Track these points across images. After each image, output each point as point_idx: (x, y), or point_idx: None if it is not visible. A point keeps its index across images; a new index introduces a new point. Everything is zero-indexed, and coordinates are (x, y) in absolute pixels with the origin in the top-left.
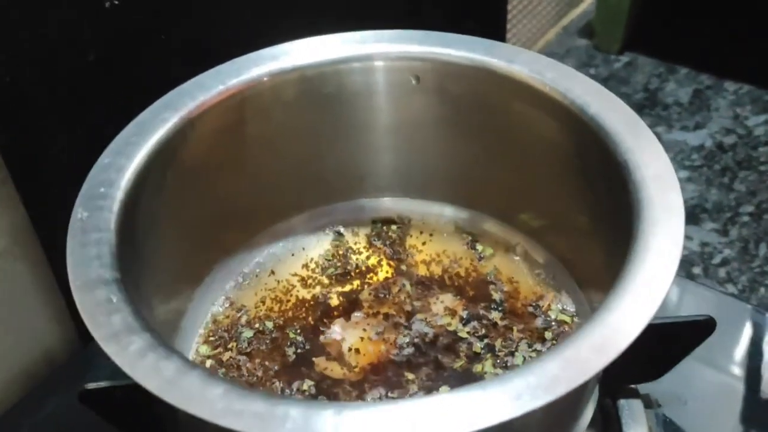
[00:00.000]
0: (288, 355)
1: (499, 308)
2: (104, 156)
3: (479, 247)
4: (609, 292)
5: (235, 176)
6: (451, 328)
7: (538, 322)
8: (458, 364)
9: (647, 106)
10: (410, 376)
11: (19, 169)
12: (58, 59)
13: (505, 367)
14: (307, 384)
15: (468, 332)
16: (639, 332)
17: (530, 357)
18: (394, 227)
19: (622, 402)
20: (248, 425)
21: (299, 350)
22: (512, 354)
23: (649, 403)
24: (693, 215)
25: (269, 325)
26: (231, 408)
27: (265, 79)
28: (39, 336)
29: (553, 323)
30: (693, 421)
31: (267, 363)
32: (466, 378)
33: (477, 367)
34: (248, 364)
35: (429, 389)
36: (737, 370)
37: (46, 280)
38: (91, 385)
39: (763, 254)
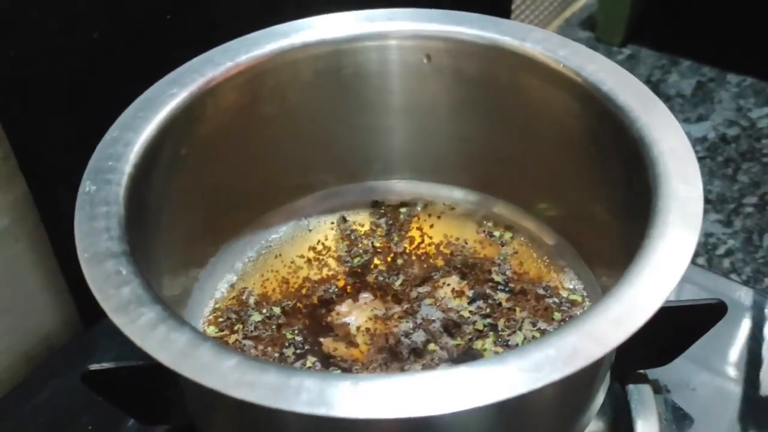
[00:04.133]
0: (288, 356)
1: (506, 289)
2: (112, 130)
3: (489, 229)
4: (625, 267)
5: (244, 155)
6: (457, 309)
7: (546, 303)
8: (460, 342)
9: None
10: (416, 354)
11: (22, 146)
12: (62, 36)
13: (506, 345)
14: (311, 360)
15: (471, 311)
16: (658, 307)
17: (533, 336)
18: (402, 209)
19: (631, 387)
20: (262, 396)
21: (298, 350)
22: (514, 333)
23: (658, 389)
24: None
25: (277, 310)
26: (244, 379)
27: (275, 56)
28: (39, 318)
29: (564, 304)
30: (701, 408)
31: (270, 349)
32: (467, 355)
33: (477, 344)
34: (252, 350)
35: (433, 367)
36: (744, 356)
37: (47, 261)
38: (95, 366)
39: (766, 245)
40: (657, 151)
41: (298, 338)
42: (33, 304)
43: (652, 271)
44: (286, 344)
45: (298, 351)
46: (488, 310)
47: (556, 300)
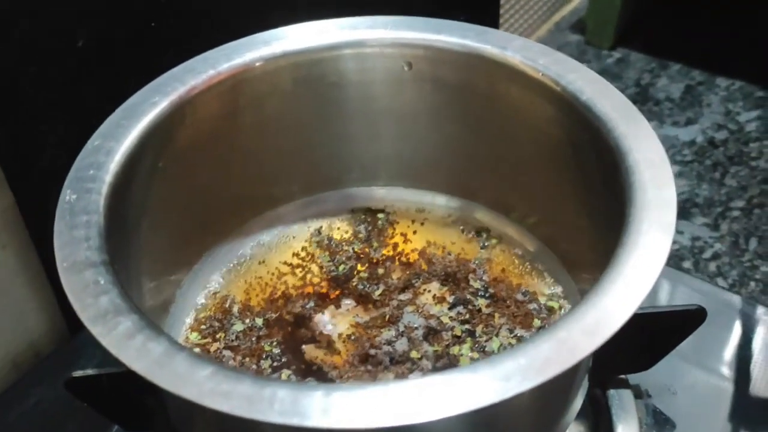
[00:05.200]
0: (264, 368)
1: (486, 295)
2: (93, 139)
3: (470, 236)
4: (601, 274)
5: (226, 163)
6: (438, 316)
7: (526, 309)
8: (437, 348)
9: (639, 102)
10: (398, 362)
11: (7, 154)
12: (48, 44)
13: (483, 351)
14: (285, 374)
15: (451, 317)
16: (630, 315)
17: (509, 343)
18: (384, 216)
19: (612, 392)
20: (236, 406)
21: (275, 363)
22: (491, 339)
23: (639, 394)
24: (684, 210)
25: (259, 321)
26: (218, 389)
27: (256, 64)
28: (26, 325)
29: (542, 310)
30: (682, 412)
31: (248, 360)
32: (444, 360)
33: (454, 349)
34: (231, 361)
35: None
36: (727, 362)
37: (33, 268)
38: (78, 373)
39: (753, 249)
40: (632, 159)
41: (276, 350)
42: (19, 310)
43: (624, 279)
44: (264, 356)
45: (275, 364)
46: (467, 316)
47: (536, 306)
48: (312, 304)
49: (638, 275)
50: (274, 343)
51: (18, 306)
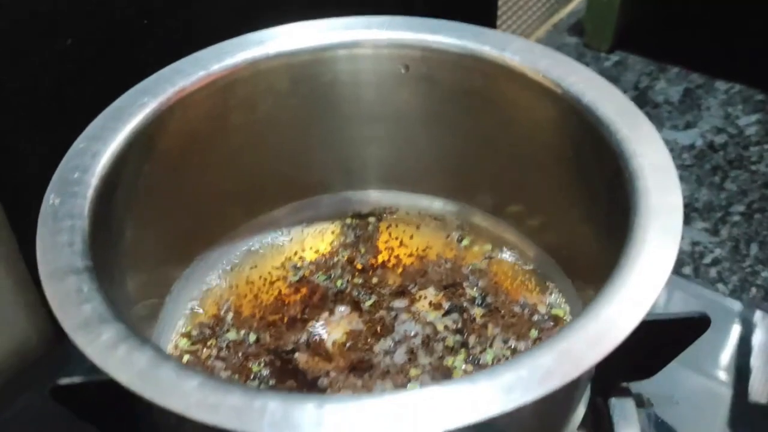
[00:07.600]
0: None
1: (483, 304)
2: (79, 141)
3: (467, 241)
4: (605, 283)
5: (217, 166)
6: (433, 323)
7: (524, 319)
8: (432, 357)
9: (637, 105)
10: (393, 371)
11: None
12: (33, 44)
13: (477, 363)
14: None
15: (446, 326)
16: (635, 326)
17: (503, 354)
18: (376, 219)
19: (613, 401)
20: (224, 419)
21: (262, 385)
22: (485, 351)
23: (641, 403)
24: (683, 215)
25: (252, 338)
26: (206, 401)
27: (248, 65)
28: (12, 330)
29: (543, 318)
30: (684, 421)
31: (237, 377)
32: (438, 371)
33: (448, 361)
34: (222, 372)
35: (405, 383)
36: (728, 369)
37: (19, 272)
38: (64, 381)
39: (753, 254)
40: (637, 164)
41: (265, 372)
42: (4, 316)
43: (629, 288)
44: (252, 377)
45: (261, 386)
46: (460, 325)
47: (535, 315)
48: (305, 310)
49: (643, 284)
50: (263, 363)
51: (3, 310)
